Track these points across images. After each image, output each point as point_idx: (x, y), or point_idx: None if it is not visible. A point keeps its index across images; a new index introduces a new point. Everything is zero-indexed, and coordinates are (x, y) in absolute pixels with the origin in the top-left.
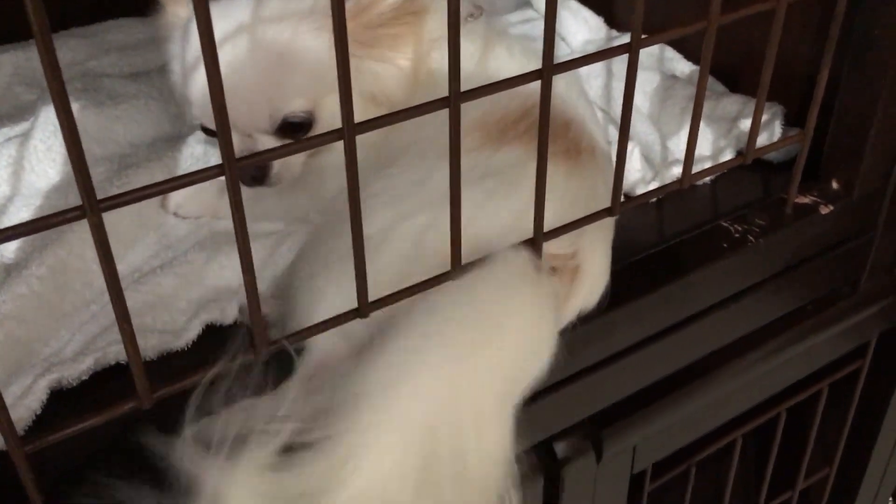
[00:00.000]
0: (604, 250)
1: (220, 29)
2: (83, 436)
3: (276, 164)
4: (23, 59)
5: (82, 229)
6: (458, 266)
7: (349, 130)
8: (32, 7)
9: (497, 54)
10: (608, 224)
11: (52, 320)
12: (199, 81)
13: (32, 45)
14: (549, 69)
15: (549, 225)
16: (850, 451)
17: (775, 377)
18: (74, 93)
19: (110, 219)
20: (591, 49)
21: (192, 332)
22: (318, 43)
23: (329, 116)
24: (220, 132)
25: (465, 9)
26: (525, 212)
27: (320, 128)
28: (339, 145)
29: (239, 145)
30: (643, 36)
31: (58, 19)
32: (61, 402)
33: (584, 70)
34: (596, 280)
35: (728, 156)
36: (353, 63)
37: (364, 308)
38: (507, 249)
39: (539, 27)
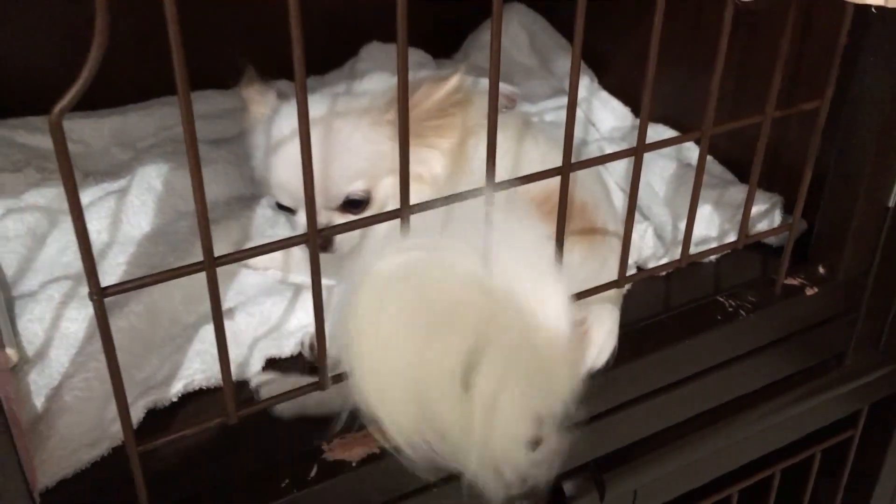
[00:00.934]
0: (610, 319)
1: (290, 122)
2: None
3: (339, 237)
4: (120, 123)
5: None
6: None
7: (405, 210)
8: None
9: (525, 142)
10: (616, 296)
11: (146, 350)
12: (278, 168)
13: (128, 110)
14: (568, 167)
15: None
16: None
17: (768, 438)
18: (165, 155)
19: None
20: (618, 135)
21: (256, 364)
22: (374, 134)
23: (383, 195)
24: (308, 212)
25: (499, 101)
26: None
27: (376, 204)
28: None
29: (303, 219)
30: (648, 144)
31: (151, 87)
32: (152, 419)
33: None
34: (602, 345)
35: (732, 238)
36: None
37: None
38: None
39: None
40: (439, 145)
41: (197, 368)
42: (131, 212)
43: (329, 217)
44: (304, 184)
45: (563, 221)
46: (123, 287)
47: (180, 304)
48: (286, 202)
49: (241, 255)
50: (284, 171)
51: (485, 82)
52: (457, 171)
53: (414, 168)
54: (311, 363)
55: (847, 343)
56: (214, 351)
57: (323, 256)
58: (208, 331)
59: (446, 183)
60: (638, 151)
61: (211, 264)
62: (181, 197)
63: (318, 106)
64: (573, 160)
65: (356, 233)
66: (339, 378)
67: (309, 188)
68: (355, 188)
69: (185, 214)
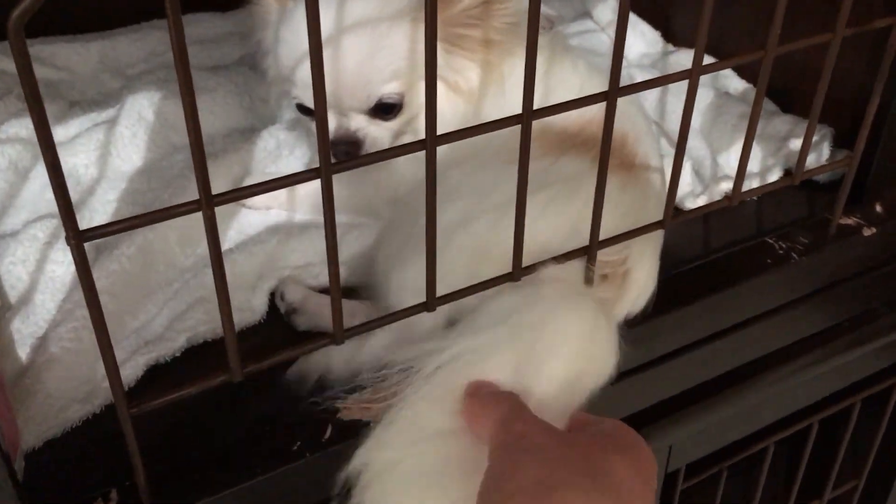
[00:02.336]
0: (652, 259)
1: (325, 17)
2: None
3: (368, 142)
4: (108, 48)
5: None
6: (519, 269)
7: (432, 141)
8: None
9: (563, 67)
10: (657, 234)
11: (140, 295)
12: (305, 68)
13: (117, 34)
14: (615, 92)
15: (603, 232)
16: (878, 466)
17: (809, 389)
18: (157, 83)
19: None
20: (647, 62)
21: (265, 306)
22: (416, 33)
23: (418, 100)
24: (320, 144)
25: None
26: (582, 220)
27: (409, 110)
28: (420, 130)
29: (334, 122)
30: (705, 66)
31: (140, 11)
32: (152, 372)
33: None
34: (643, 286)
35: (776, 173)
36: (443, 55)
37: (432, 303)
38: (560, 268)
39: (598, 38)
40: (477, 56)
41: (199, 319)
42: (121, 144)
43: (358, 122)
44: (315, 106)
45: (608, 151)
46: (107, 230)
47: (176, 246)
48: (308, 102)
49: (241, 194)
50: (307, 68)
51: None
52: (491, 88)
53: (450, 76)
54: (285, 313)
55: None
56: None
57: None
58: (208, 275)
59: (480, 99)
60: (693, 74)
61: (208, 203)
62: (175, 129)
63: (352, 3)
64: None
65: (386, 142)
66: (356, 330)
67: (321, 107)
68: (390, 90)
69: (181, 148)
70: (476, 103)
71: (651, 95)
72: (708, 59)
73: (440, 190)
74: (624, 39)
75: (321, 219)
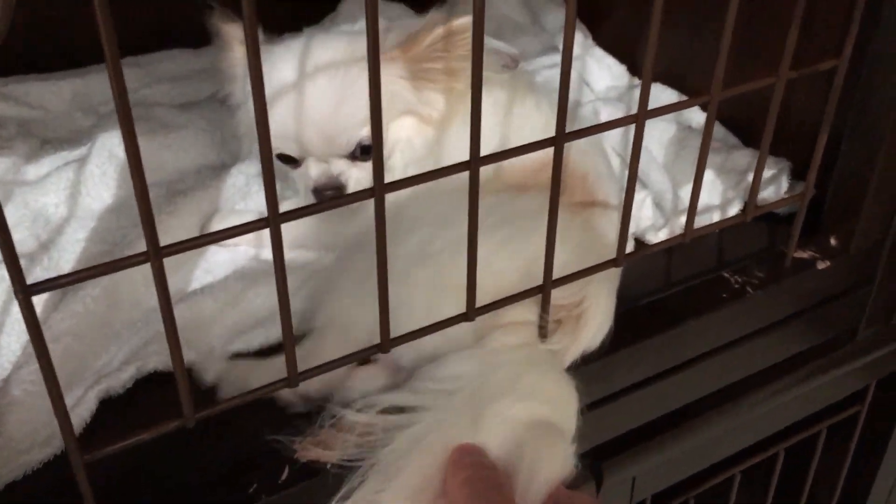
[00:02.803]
0: (608, 297)
1: (298, 65)
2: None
3: (351, 184)
4: (81, 86)
5: (132, 252)
6: (473, 309)
7: (379, 190)
8: (106, 39)
9: (525, 106)
10: (614, 272)
11: (103, 336)
12: (281, 115)
13: (90, 72)
14: (562, 137)
15: (559, 270)
16: (847, 494)
17: (773, 418)
18: None
19: (162, 240)
20: (614, 95)
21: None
22: (387, 76)
23: (394, 137)
24: (267, 190)
25: (501, 59)
26: (538, 259)
27: (386, 148)
28: (395, 165)
29: (316, 169)
30: (650, 111)
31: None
32: (108, 409)
33: (604, 116)
34: (599, 326)
35: (736, 206)
36: (412, 91)
37: (386, 344)
38: (517, 310)
39: None
40: (442, 85)
41: (153, 350)
42: (91, 183)
43: (339, 166)
44: (261, 159)
45: (558, 194)
46: (54, 283)
47: (142, 286)
48: (290, 151)
49: (189, 245)
50: (287, 115)
51: (492, 41)
52: (457, 114)
53: (420, 109)
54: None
55: (859, 318)
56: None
57: (303, 224)
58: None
59: (447, 125)
60: (639, 118)
61: (156, 255)
62: (147, 166)
63: (320, 49)
64: (568, 127)
65: (368, 178)
66: (311, 373)
67: (267, 163)
68: (366, 133)
69: (152, 185)
70: (444, 129)
71: (615, 131)
72: (671, 93)
73: (400, 223)
74: (567, 88)
75: (290, 254)
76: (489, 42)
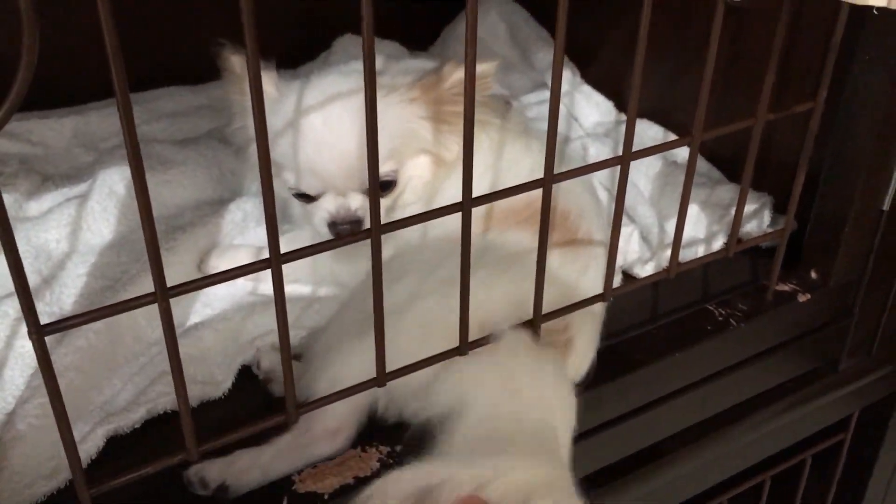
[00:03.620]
0: (592, 328)
1: (315, 100)
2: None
3: (368, 218)
4: (81, 123)
5: (134, 288)
6: (465, 343)
7: (376, 231)
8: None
9: (515, 148)
10: (598, 305)
11: (107, 371)
12: (304, 150)
13: (90, 109)
14: (550, 179)
15: (546, 305)
16: None
17: (759, 447)
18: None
19: None
20: (601, 131)
21: (228, 383)
22: (404, 112)
23: (407, 176)
24: (269, 233)
25: (499, 103)
26: (525, 294)
27: (400, 185)
28: (408, 201)
29: (333, 202)
30: (634, 153)
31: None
32: (114, 445)
33: (592, 152)
34: (583, 355)
35: (721, 239)
36: (431, 132)
37: (381, 378)
38: (511, 330)
39: None
40: (459, 128)
41: (161, 391)
42: (92, 219)
43: (356, 201)
44: (263, 201)
45: (546, 232)
46: (66, 324)
47: (143, 320)
48: (309, 188)
49: (196, 285)
50: (311, 153)
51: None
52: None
53: (436, 149)
54: (263, 380)
55: (840, 349)
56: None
57: (311, 262)
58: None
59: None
60: (624, 160)
61: (164, 296)
62: None
63: (341, 81)
64: (556, 166)
65: (382, 212)
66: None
67: (269, 205)
68: (387, 169)
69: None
70: (453, 170)
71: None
72: (658, 129)
73: (393, 267)
74: (555, 135)
75: (287, 288)
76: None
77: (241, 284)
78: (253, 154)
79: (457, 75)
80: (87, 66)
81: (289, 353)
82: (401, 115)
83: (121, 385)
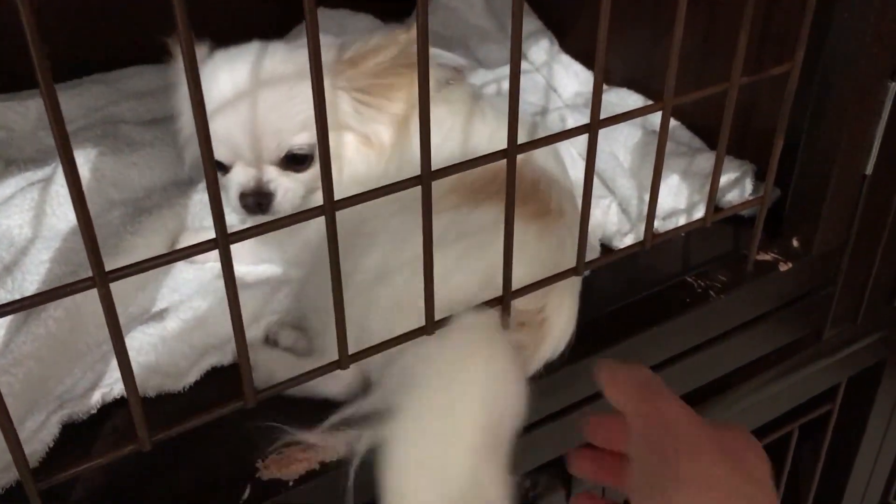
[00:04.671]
0: (570, 304)
1: (233, 71)
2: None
3: (279, 194)
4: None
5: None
6: (432, 322)
7: (330, 207)
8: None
9: (471, 119)
10: (575, 280)
11: (67, 359)
12: (211, 118)
13: (59, 90)
14: (514, 148)
15: (518, 281)
16: (822, 493)
17: (744, 419)
18: (94, 139)
19: (124, 260)
20: (581, 101)
21: (192, 377)
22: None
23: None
24: (213, 210)
25: (444, 73)
26: (496, 270)
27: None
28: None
29: (244, 175)
30: (603, 120)
31: (81, 65)
32: (73, 433)
33: (571, 122)
34: (562, 333)
35: (702, 210)
36: (352, 105)
37: (345, 360)
38: (473, 312)
39: (531, 79)
40: (388, 108)
41: (117, 377)
42: (56, 203)
43: (269, 174)
44: (206, 182)
45: (513, 207)
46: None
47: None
48: (220, 156)
49: (136, 269)
50: (220, 120)
51: (435, 51)
52: (401, 144)
53: (363, 128)
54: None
55: (824, 318)
56: (142, 358)
57: (263, 241)
58: (137, 334)
59: (394, 152)
60: (592, 128)
61: (102, 281)
62: (113, 184)
63: (259, 51)
64: (526, 136)
65: (298, 194)
66: (268, 392)
67: (212, 183)
68: (300, 141)
69: (118, 203)
70: (390, 157)
71: (581, 139)
72: (637, 98)
73: (359, 239)
74: (517, 103)
75: (258, 270)
76: (433, 54)
77: (210, 268)
78: (184, 126)
79: (387, 51)
80: (52, 47)
81: (243, 336)
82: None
83: (81, 374)
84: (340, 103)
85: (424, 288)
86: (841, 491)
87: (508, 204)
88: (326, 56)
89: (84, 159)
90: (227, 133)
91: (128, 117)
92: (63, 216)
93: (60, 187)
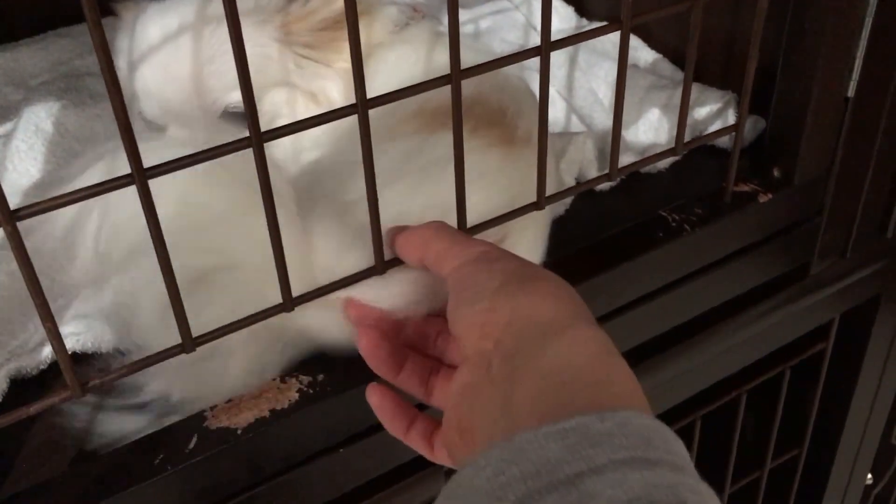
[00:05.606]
0: (532, 239)
1: (164, 24)
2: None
3: None
4: (10, 60)
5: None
6: (381, 262)
7: (257, 138)
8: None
9: (436, 55)
10: (540, 214)
11: (20, 314)
12: (143, 76)
13: (20, 47)
14: (457, 74)
15: (481, 210)
16: (820, 431)
17: (731, 358)
18: (57, 93)
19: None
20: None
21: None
22: (258, 36)
23: (269, 109)
24: (126, 142)
25: (404, 14)
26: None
27: (262, 120)
28: (278, 143)
29: (178, 135)
30: (554, 42)
31: (46, 19)
32: (24, 388)
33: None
34: None
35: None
36: (298, 63)
37: (287, 303)
38: None
39: (510, 17)
40: (335, 62)
41: (70, 332)
42: (17, 158)
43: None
44: (115, 112)
45: (460, 134)
46: None
47: (65, 260)
48: (152, 116)
49: (47, 205)
50: (151, 76)
51: None
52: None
53: (308, 84)
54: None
55: (810, 252)
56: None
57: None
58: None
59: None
60: (543, 51)
61: (8, 220)
62: (76, 138)
63: (190, 4)
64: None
65: None
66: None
67: (121, 114)
68: (234, 99)
69: (81, 156)
70: None
71: (559, 73)
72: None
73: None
74: (457, 25)
75: None
76: None
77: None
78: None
79: (333, 3)
80: (17, 1)
81: (173, 278)
82: (254, 39)
83: (34, 328)
84: (279, 57)
85: (370, 225)
86: (839, 431)
87: (456, 132)
88: (268, 7)
89: (46, 113)
90: (158, 90)
91: (93, 70)
92: (25, 171)
93: (21, 142)
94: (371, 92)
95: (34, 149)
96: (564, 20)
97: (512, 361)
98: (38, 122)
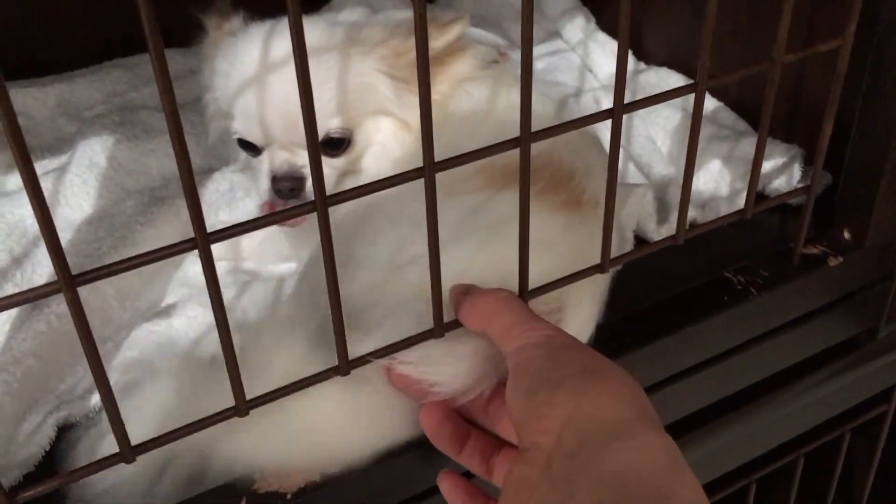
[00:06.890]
0: (589, 303)
1: (269, 49)
2: None
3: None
4: (66, 92)
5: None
6: (440, 325)
7: (322, 203)
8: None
9: (509, 100)
10: (599, 277)
11: (70, 357)
12: (245, 99)
13: (76, 77)
14: (527, 138)
15: (539, 275)
16: (876, 499)
17: (789, 424)
18: (111, 126)
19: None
20: None
21: None
22: (362, 66)
23: (365, 137)
24: (190, 207)
25: (488, 54)
26: (517, 264)
27: (356, 148)
28: (368, 168)
29: (278, 158)
30: (627, 104)
31: (101, 50)
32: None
33: (604, 104)
34: (577, 334)
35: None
36: (396, 94)
37: (343, 366)
38: None
39: (567, 59)
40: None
41: (119, 379)
42: (70, 193)
43: (303, 157)
44: (183, 185)
45: (527, 198)
46: None
47: (114, 300)
48: (251, 137)
49: (103, 273)
50: (251, 99)
51: (475, 31)
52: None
53: (403, 113)
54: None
55: (879, 315)
56: (144, 356)
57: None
58: (141, 332)
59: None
60: (616, 113)
61: (69, 286)
62: (129, 173)
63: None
64: (555, 120)
65: (332, 175)
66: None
67: (187, 177)
68: (336, 125)
69: (133, 193)
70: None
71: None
72: (678, 77)
73: (372, 220)
74: (530, 85)
75: (270, 268)
76: (473, 34)
77: (223, 265)
78: (211, 100)
79: (435, 44)
80: (73, 32)
81: (230, 340)
82: (355, 69)
83: (84, 372)
84: (380, 86)
85: (431, 287)
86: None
87: (523, 196)
88: (369, 35)
89: (100, 147)
90: (259, 114)
91: (148, 103)
92: (78, 206)
93: (75, 176)
94: (454, 119)
95: (87, 183)
96: None
97: (573, 462)
98: (93, 156)
